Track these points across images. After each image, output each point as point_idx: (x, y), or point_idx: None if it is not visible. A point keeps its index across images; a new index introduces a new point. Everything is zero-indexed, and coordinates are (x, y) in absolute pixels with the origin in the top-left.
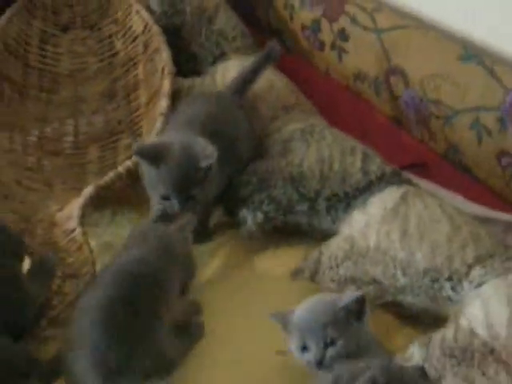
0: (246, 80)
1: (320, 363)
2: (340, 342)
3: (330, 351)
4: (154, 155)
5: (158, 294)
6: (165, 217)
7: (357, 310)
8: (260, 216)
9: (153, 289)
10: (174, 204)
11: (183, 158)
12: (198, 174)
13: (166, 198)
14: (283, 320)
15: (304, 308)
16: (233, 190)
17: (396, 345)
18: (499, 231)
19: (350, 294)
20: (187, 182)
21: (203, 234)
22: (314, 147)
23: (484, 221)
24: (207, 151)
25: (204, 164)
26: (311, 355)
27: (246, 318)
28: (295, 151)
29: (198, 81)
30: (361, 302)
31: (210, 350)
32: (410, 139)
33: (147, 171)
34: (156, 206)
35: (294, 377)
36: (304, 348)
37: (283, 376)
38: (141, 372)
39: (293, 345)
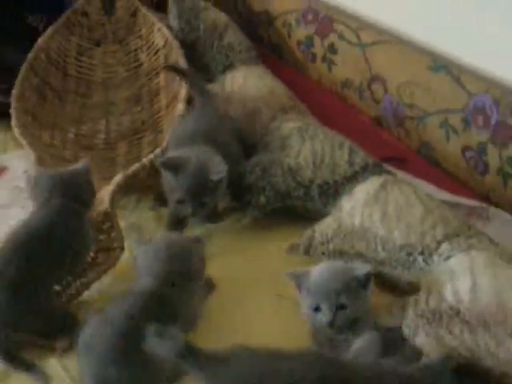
0: None
1: (331, 324)
2: (350, 308)
3: (341, 314)
4: (174, 165)
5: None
6: (177, 223)
7: (365, 281)
8: (262, 200)
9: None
10: (188, 207)
11: (197, 171)
12: (209, 184)
13: (181, 201)
14: (297, 280)
15: (319, 273)
16: (240, 178)
17: (377, 309)
18: (463, 214)
19: (361, 267)
20: (200, 190)
21: (214, 216)
22: (308, 143)
23: (451, 205)
24: (219, 167)
25: (215, 178)
26: (323, 316)
27: (250, 279)
28: (292, 146)
29: (209, 87)
30: (370, 275)
31: (218, 300)
32: (389, 137)
33: (167, 179)
34: (170, 210)
35: (288, 319)
36: (316, 308)
37: (280, 319)
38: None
39: (306, 303)
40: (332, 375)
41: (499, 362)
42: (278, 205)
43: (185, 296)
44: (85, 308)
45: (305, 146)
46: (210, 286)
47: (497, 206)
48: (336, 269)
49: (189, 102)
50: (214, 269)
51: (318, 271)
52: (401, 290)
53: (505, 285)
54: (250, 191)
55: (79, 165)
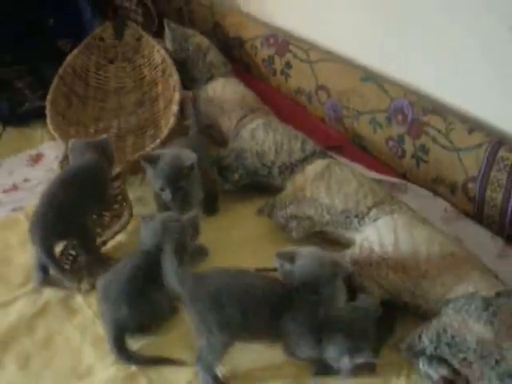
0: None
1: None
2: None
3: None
4: (152, 158)
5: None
6: (164, 208)
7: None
8: (236, 177)
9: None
10: (168, 193)
11: (172, 160)
12: (183, 171)
13: (162, 189)
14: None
15: None
16: (218, 161)
17: None
18: (387, 188)
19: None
20: (175, 176)
21: (211, 209)
22: (271, 134)
23: (378, 182)
24: (190, 155)
25: (187, 163)
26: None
27: (231, 237)
28: (259, 136)
29: (196, 92)
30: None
31: None
32: (331, 131)
33: (149, 171)
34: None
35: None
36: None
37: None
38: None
39: None
40: (278, 290)
41: (414, 296)
42: (248, 181)
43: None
44: None
45: (268, 136)
46: (204, 251)
47: (412, 182)
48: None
49: (181, 104)
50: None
51: None
52: (340, 244)
53: (418, 240)
54: (227, 171)
55: (104, 136)
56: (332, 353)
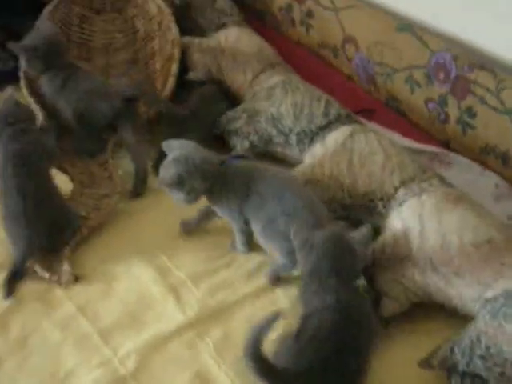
0: None
1: None
2: None
3: None
4: None
5: None
6: None
7: None
8: (246, 144)
9: None
10: None
11: None
12: None
13: None
14: None
15: None
16: (226, 124)
17: None
18: (426, 160)
19: None
20: None
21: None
22: (290, 95)
23: (416, 152)
24: None
25: None
26: None
27: None
28: (276, 97)
29: (205, 40)
30: None
31: None
32: (360, 91)
33: None
34: None
35: None
36: None
37: None
38: None
39: None
40: None
41: (448, 297)
42: (260, 149)
43: None
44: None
45: (287, 97)
46: None
47: (456, 152)
48: None
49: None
50: None
51: None
52: None
53: (448, 227)
54: (236, 136)
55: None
56: None
